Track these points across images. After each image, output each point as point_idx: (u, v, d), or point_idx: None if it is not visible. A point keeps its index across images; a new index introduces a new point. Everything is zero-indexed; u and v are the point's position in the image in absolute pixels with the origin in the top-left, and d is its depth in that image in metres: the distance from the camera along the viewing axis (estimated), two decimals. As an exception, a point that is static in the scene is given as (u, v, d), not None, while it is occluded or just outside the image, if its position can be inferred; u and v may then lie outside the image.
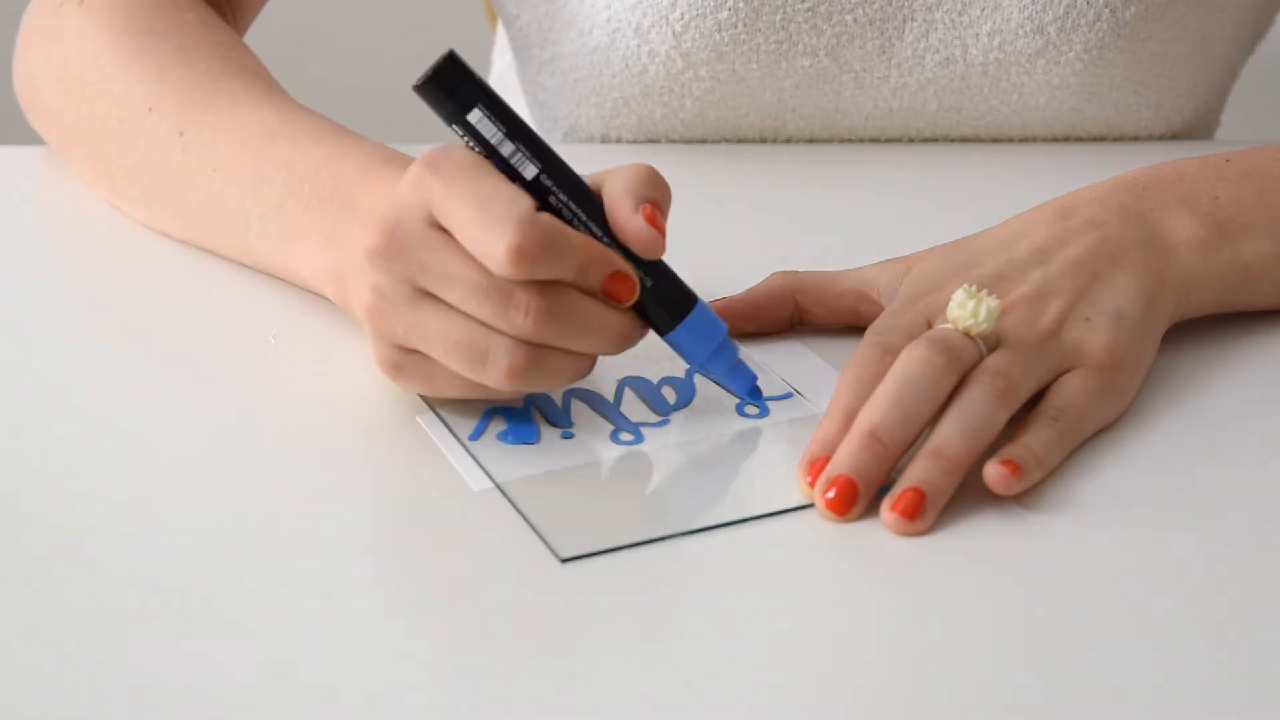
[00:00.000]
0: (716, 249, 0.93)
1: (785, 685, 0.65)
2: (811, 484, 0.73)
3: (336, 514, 0.74)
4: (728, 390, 0.79)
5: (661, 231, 0.74)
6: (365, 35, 2.19)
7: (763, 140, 1.05)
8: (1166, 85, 1.04)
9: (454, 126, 0.74)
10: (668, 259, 0.76)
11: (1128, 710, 0.64)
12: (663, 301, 0.76)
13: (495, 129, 0.73)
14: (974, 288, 0.76)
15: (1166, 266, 0.81)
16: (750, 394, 0.79)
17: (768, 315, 0.84)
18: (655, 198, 0.74)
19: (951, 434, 0.73)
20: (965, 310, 0.75)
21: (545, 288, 0.73)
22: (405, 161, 0.80)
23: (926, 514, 0.72)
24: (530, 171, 0.74)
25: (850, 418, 0.74)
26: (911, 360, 0.74)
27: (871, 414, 0.73)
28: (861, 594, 0.71)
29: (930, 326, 0.78)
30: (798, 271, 0.85)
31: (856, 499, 0.72)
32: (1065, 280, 0.79)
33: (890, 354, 0.76)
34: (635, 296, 0.74)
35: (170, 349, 0.85)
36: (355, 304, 0.78)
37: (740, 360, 0.79)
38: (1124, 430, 0.78)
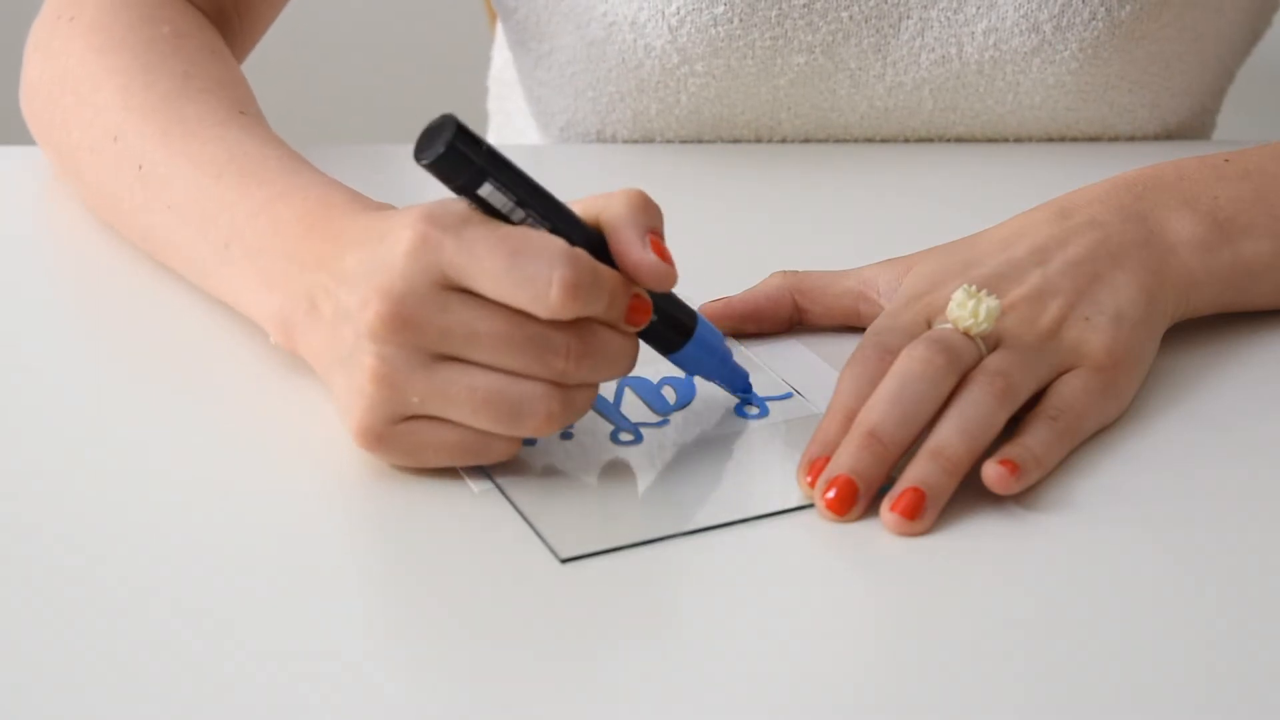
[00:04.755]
0: (715, 249, 0.93)
1: (785, 685, 0.65)
2: (811, 484, 0.73)
3: (337, 515, 0.74)
4: (723, 388, 0.80)
5: (671, 263, 0.72)
6: (366, 34, 2.19)
7: (758, 139, 1.05)
8: (1162, 85, 1.04)
9: (461, 196, 0.72)
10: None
11: (1128, 710, 0.64)
12: (671, 322, 0.76)
13: (506, 199, 0.71)
14: (974, 288, 0.76)
15: (1166, 266, 0.81)
16: (744, 391, 0.79)
17: (767, 316, 0.84)
18: (656, 227, 0.73)
19: (951, 434, 0.73)
20: (965, 310, 0.75)
21: (577, 327, 0.71)
22: (347, 204, 0.77)
23: (926, 514, 0.72)
24: (544, 226, 0.72)
25: (850, 418, 0.74)
26: (911, 360, 0.74)
27: (871, 414, 0.73)
28: (861, 594, 0.71)
29: (930, 326, 0.78)
30: (797, 272, 0.85)
31: (856, 499, 0.72)
32: (1065, 280, 0.79)
33: (890, 354, 0.76)
34: (649, 319, 0.73)
35: (170, 350, 0.85)
36: (306, 353, 0.76)
37: (735, 362, 0.79)
38: (1124, 430, 0.78)
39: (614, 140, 1.06)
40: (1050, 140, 1.05)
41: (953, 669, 0.66)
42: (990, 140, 1.05)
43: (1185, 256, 0.81)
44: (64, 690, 0.64)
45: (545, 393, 0.71)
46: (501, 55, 1.28)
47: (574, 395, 0.72)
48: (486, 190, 0.71)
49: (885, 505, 0.72)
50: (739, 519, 0.73)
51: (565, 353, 0.71)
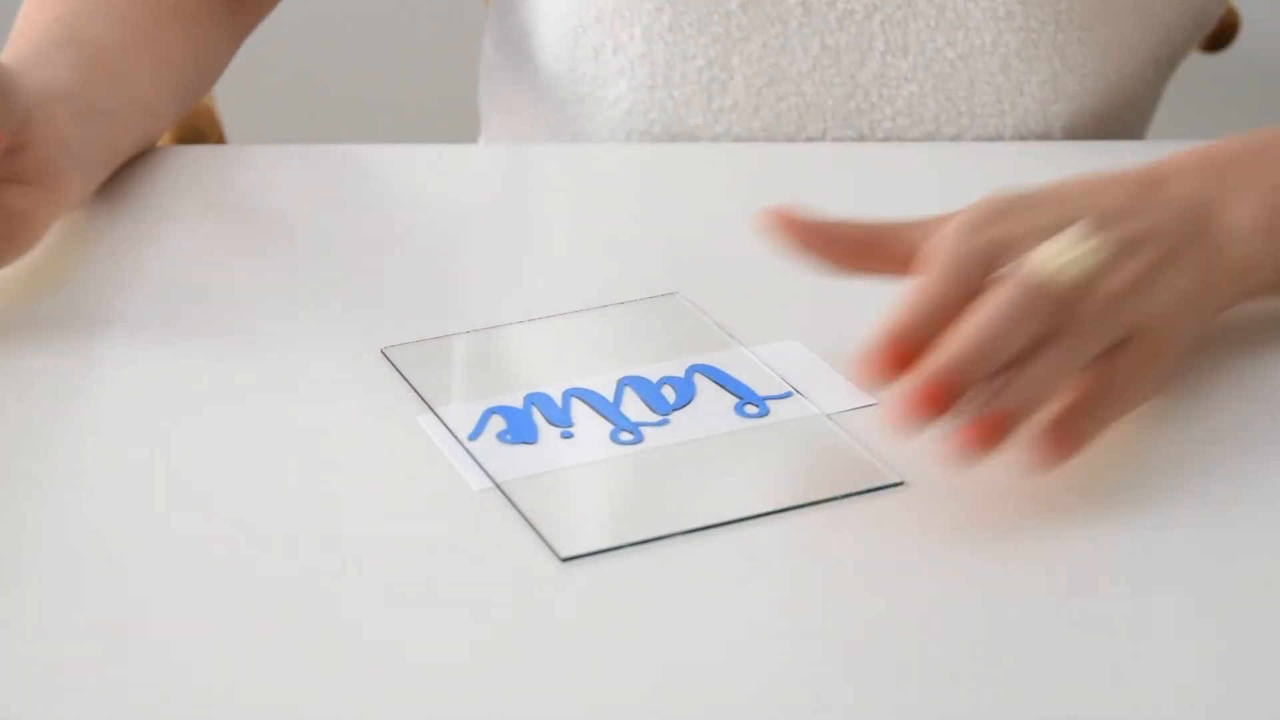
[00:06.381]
0: (715, 249, 0.93)
1: (785, 685, 0.65)
2: (888, 371, 0.72)
3: (336, 514, 0.74)
4: None
5: None
6: (364, 33, 2.19)
7: (709, 98, 1.04)
8: (1110, 37, 1.04)
9: None
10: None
11: (1127, 710, 0.64)
12: None
13: None
14: (1070, 234, 0.75)
15: (1224, 251, 0.80)
16: None
17: (883, 254, 0.81)
18: None
19: (1016, 388, 0.72)
20: (1061, 256, 0.74)
21: None
22: None
23: (977, 459, 0.71)
24: None
25: (918, 334, 0.73)
26: (1012, 306, 0.73)
27: (965, 350, 0.72)
28: (862, 594, 0.71)
29: (1001, 260, 0.76)
30: (859, 222, 0.81)
31: (944, 406, 0.70)
32: (1135, 251, 0.78)
33: (966, 281, 0.75)
34: None
35: (168, 350, 0.85)
36: None
37: None
38: (1124, 430, 0.78)
39: (575, 89, 1.05)
40: (1001, 109, 1.04)
41: (953, 669, 0.66)
42: (949, 129, 1.05)
43: (1244, 240, 0.81)
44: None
45: None
46: (499, 52, 1.29)
47: None
48: None
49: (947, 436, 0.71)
50: (739, 518, 0.73)
51: None
